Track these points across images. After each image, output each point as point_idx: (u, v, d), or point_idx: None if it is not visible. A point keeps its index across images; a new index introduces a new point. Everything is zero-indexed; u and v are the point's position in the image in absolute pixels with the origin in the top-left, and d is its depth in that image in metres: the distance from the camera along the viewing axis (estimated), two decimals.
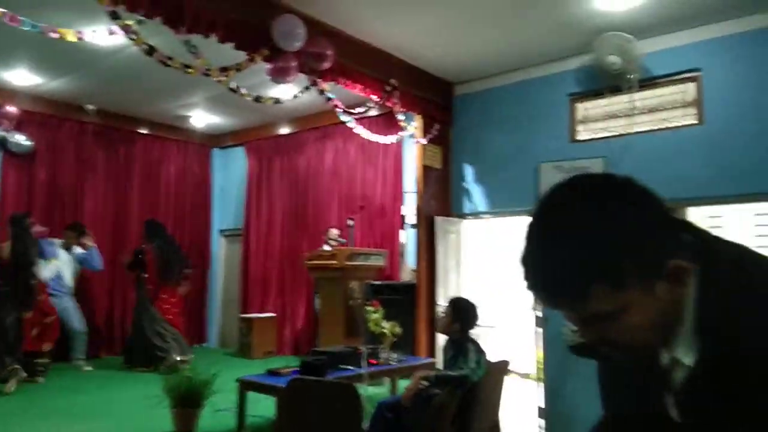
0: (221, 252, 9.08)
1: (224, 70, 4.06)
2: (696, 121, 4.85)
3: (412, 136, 5.98)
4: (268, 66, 4.29)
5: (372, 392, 4.98)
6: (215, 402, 4.09)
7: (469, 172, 6.23)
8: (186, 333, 8.33)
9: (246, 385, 3.93)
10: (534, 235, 0.80)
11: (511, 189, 5.83)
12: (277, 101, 4.83)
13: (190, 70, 3.93)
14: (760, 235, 4.62)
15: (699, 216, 4.87)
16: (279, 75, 4.24)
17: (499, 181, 5.97)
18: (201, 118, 7.92)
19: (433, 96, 6.08)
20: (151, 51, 3.74)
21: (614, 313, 0.76)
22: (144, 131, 8.08)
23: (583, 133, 5.49)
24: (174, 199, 8.44)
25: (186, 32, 3.80)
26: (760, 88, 4.51)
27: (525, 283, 0.81)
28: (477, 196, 6.16)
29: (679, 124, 4.95)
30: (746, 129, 4.55)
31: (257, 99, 4.63)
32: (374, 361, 4.32)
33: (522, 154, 5.75)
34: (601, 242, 0.74)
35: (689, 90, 4.91)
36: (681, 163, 4.82)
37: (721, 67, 4.71)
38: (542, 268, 0.79)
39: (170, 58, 3.82)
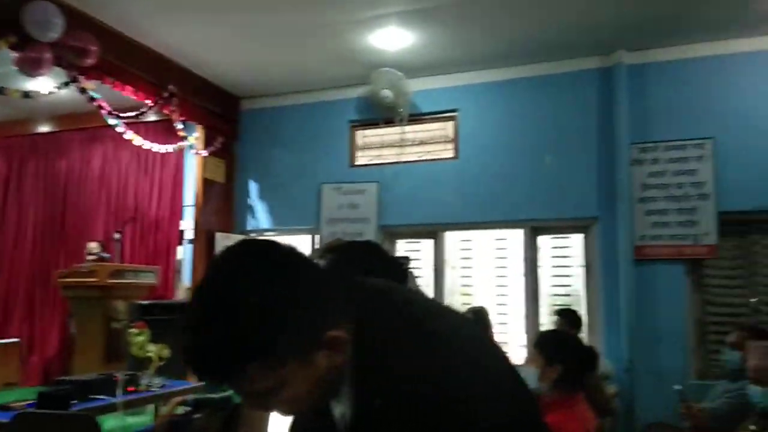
0: None
1: None
2: (453, 156, 5.50)
3: (192, 147, 5.72)
4: (15, 55, 3.74)
5: (131, 422, 4.56)
6: None
7: (253, 188, 6.17)
8: None
9: None
10: (191, 310, 0.77)
11: (294, 208, 5.93)
12: (26, 95, 4.22)
13: None
14: (499, 257, 5.39)
15: (453, 239, 5.51)
16: (28, 66, 3.72)
17: (282, 200, 6.03)
18: None
19: (217, 108, 5.91)
20: None
21: (273, 389, 0.77)
22: None
23: (362, 159, 5.84)
24: None
25: None
26: (507, 131, 5.30)
27: (184, 356, 0.77)
28: (260, 213, 6.13)
29: (441, 157, 5.57)
30: (492, 165, 5.29)
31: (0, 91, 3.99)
32: (133, 388, 3.97)
33: (305, 174, 5.89)
34: (257, 321, 0.73)
35: (449, 127, 5.56)
36: (441, 192, 5.41)
37: (475, 110, 5.43)
38: (197, 347, 0.76)
39: None
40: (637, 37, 4.74)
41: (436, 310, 0.92)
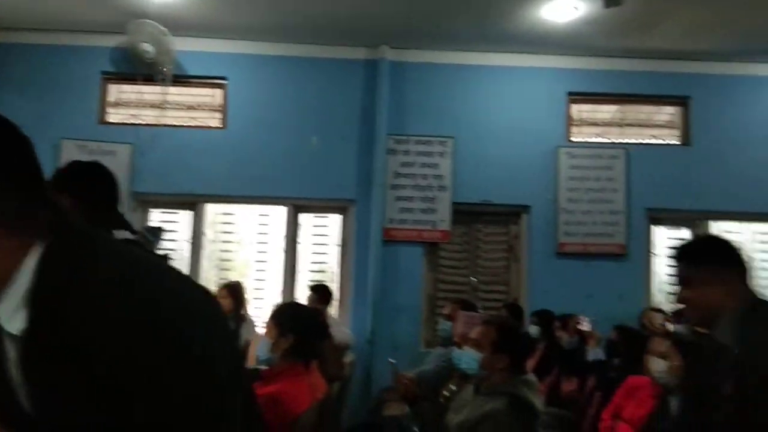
0: None
1: None
2: (221, 125, 5.31)
3: None
4: None
5: None
6: None
7: None
8: None
9: None
10: None
11: None
12: None
13: None
14: (261, 233, 5.38)
15: (215, 212, 5.34)
16: None
17: None
18: None
19: None
20: None
21: None
22: None
23: (114, 116, 5.28)
24: None
25: None
26: (276, 107, 5.27)
27: None
28: None
29: (207, 125, 5.32)
30: (260, 140, 5.23)
31: None
32: None
33: (43, 126, 5.01)
34: None
35: (217, 95, 5.34)
36: (205, 162, 5.17)
37: (245, 81, 5.29)
38: None
39: None
40: (400, 36, 5.13)
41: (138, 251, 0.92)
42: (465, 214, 5.36)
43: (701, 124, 5.39)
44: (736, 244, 1.68)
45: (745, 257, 1.62)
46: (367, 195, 5.21)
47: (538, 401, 2.30)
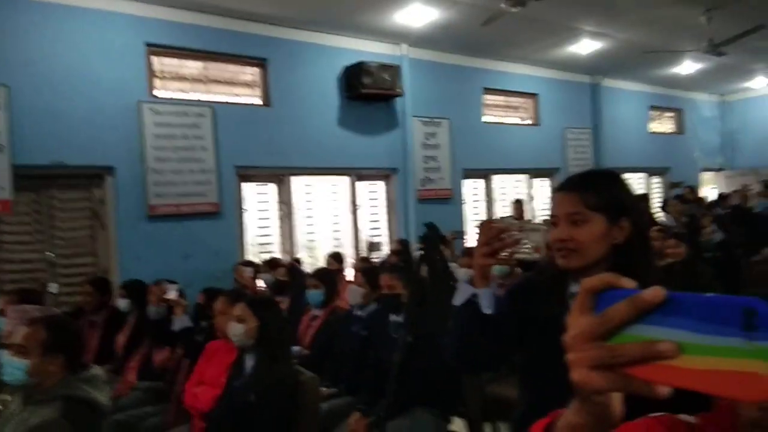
0: None
1: None
2: None
3: None
4: None
5: None
6: None
7: None
8: None
9: None
10: None
11: None
12: None
13: None
14: None
15: None
16: None
17: None
18: None
19: None
20: None
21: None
22: None
23: None
24: None
25: None
26: None
27: None
28: None
29: None
30: None
31: None
32: None
33: None
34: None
35: None
36: None
37: None
38: None
39: None
40: None
41: None
42: (32, 178, 4.53)
43: (279, 86, 5.81)
44: None
45: None
46: None
47: (104, 396, 2.08)
